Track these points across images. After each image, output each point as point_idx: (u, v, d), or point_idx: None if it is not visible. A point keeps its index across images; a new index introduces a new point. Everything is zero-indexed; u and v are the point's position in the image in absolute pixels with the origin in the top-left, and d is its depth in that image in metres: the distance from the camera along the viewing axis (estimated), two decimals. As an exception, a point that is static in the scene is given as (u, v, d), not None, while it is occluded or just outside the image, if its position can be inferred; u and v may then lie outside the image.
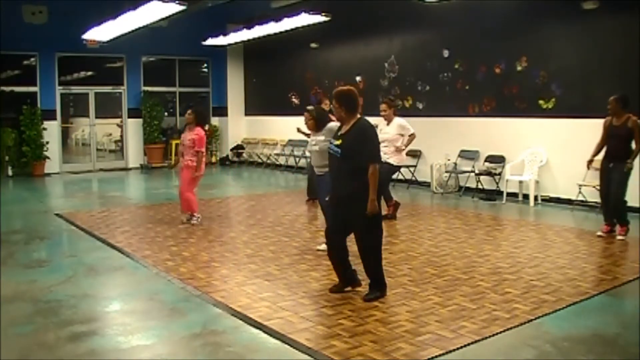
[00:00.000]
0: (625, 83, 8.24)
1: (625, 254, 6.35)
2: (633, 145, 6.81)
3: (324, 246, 6.23)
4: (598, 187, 7.34)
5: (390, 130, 8.13)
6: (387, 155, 7.90)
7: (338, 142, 4.80)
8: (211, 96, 17.45)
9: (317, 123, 6.33)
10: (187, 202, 8.08)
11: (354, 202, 4.72)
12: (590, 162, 7.21)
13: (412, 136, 8.24)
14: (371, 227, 4.78)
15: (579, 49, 9.15)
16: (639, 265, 5.82)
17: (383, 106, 8.28)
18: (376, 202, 4.67)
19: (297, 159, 14.58)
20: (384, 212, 8.31)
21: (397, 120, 8.23)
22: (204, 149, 7.95)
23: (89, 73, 16.21)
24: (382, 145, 8.15)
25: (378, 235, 4.88)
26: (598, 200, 8.37)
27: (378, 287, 4.92)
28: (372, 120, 7.64)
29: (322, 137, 6.12)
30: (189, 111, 8.13)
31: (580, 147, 8.34)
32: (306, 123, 6.49)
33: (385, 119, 8.27)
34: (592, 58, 8.96)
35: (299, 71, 15.08)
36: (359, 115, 4.87)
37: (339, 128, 4.96)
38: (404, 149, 8.22)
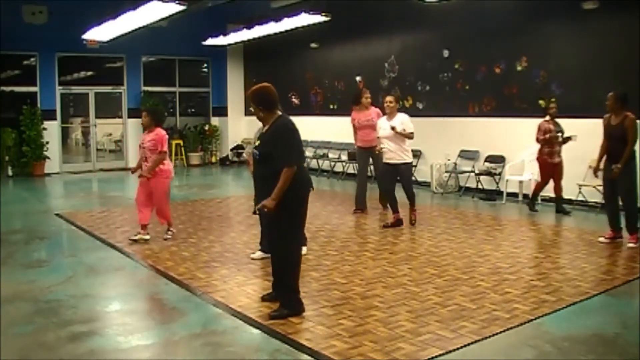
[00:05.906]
0: (625, 83, 8.23)
1: (625, 255, 6.34)
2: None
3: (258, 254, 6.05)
4: (597, 187, 7.21)
5: (387, 127, 7.65)
6: (387, 154, 7.64)
7: (257, 143, 4.46)
8: (211, 96, 17.47)
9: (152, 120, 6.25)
10: (165, 216, 7.18)
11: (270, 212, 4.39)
12: (596, 169, 6.84)
13: (410, 134, 7.68)
14: (285, 240, 4.43)
15: (579, 49, 9.15)
16: (639, 265, 5.83)
17: (389, 98, 7.78)
18: (275, 202, 4.20)
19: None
20: (389, 221, 8.04)
21: (400, 117, 7.70)
22: (166, 148, 6.97)
23: (89, 73, 16.20)
24: (383, 142, 8.00)
25: (293, 250, 4.51)
26: (598, 200, 8.41)
27: (288, 306, 4.48)
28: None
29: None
30: (143, 113, 7.20)
31: (580, 147, 8.35)
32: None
33: (389, 113, 7.76)
34: (592, 58, 8.96)
35: (299, 71, 15.08)
36: (279, 113, 4.47)
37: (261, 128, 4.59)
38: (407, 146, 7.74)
